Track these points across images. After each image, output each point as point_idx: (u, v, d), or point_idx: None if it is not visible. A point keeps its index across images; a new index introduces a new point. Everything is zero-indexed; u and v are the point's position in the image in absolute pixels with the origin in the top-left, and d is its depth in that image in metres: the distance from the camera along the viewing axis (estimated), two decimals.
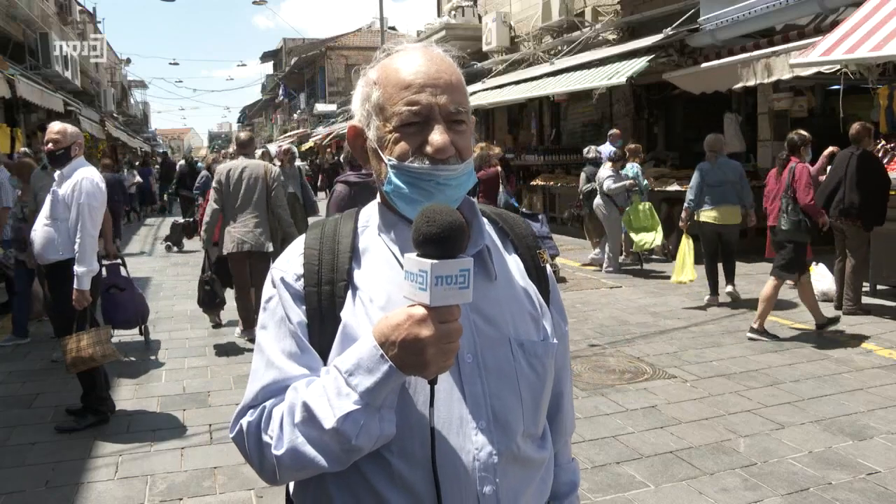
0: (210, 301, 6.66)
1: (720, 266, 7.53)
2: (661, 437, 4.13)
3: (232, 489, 3.60)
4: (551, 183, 14.07)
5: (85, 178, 4.32)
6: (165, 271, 10.78)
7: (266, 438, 1.05)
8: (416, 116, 1.08)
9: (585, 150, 10.41)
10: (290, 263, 1.16)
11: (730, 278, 7.56)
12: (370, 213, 1.20)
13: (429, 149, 1.07)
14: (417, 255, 0.95)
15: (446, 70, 1.12)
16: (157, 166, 26.03)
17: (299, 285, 1.12)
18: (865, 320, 6.59)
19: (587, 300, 7.87)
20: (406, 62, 1.12)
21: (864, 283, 7.13)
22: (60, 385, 5.18)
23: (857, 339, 5.98)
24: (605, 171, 9.30)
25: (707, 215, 7.41)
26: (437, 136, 1.07)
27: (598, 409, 4.57)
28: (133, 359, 5.93)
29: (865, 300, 7.10)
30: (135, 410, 4.77)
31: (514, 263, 1.22)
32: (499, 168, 8.75)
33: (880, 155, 7.80)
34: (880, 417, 4.35)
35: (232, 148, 13.90)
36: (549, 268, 1.29)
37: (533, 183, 14.50)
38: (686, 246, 7.52)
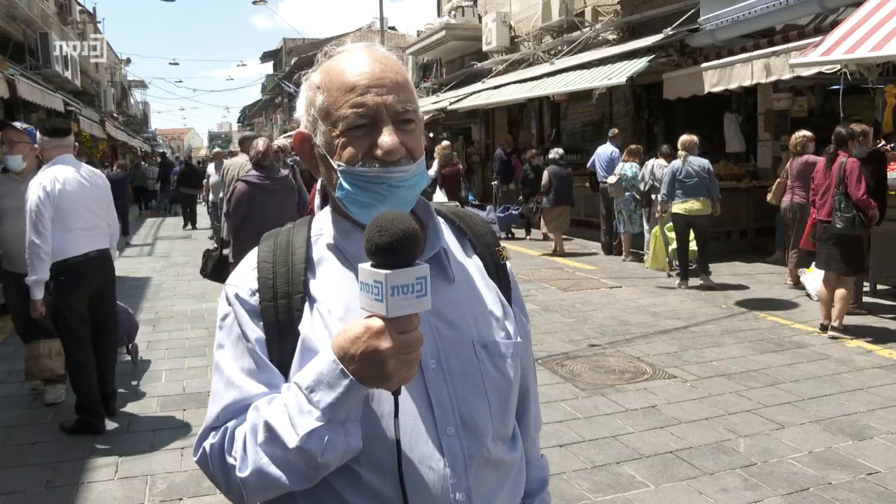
0: (204, 272, 7.00)
1: (697, 259, 8.48)
2: (661, 437, 4.14)
3: None
4: None
5: (31, 186, 4.13)
6: (165, 271, 10.78)
7: (230, 460, 1.02)
8: (362, 119, 1.05)
9: (551, 152, 11.17)
10: (244, 279, 1.11)
11: (703, 267, 8.35)
12: (323, 222, 1.16)
13: (378, 151, 1.04)
14: (371, 266, 0.91)
15: (391, 69, 1.08)
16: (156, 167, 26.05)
17: (255, 300, 1.08)
18: (865, 320, 6.59)
19: (587, 300, 7.87)
20: (349, 63, 1.08)
21: (864, 283, 7.14)
22: None
23: (857, 339, 5.98)
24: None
25: (679, 207, 8.18)
26: (387, 138, 1.04)
27: (598, 409, 4.58)
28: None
29: (865, 300, 7.10)
30: (135, 410, 4.77)
31: (474, 263, 1.19)
32: (460, 165, 9.31)
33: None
34: (880, 417, 4.35)
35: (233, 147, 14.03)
36: (509, 265, 1.26)
37: None
38: (660, 236, 8.38)
